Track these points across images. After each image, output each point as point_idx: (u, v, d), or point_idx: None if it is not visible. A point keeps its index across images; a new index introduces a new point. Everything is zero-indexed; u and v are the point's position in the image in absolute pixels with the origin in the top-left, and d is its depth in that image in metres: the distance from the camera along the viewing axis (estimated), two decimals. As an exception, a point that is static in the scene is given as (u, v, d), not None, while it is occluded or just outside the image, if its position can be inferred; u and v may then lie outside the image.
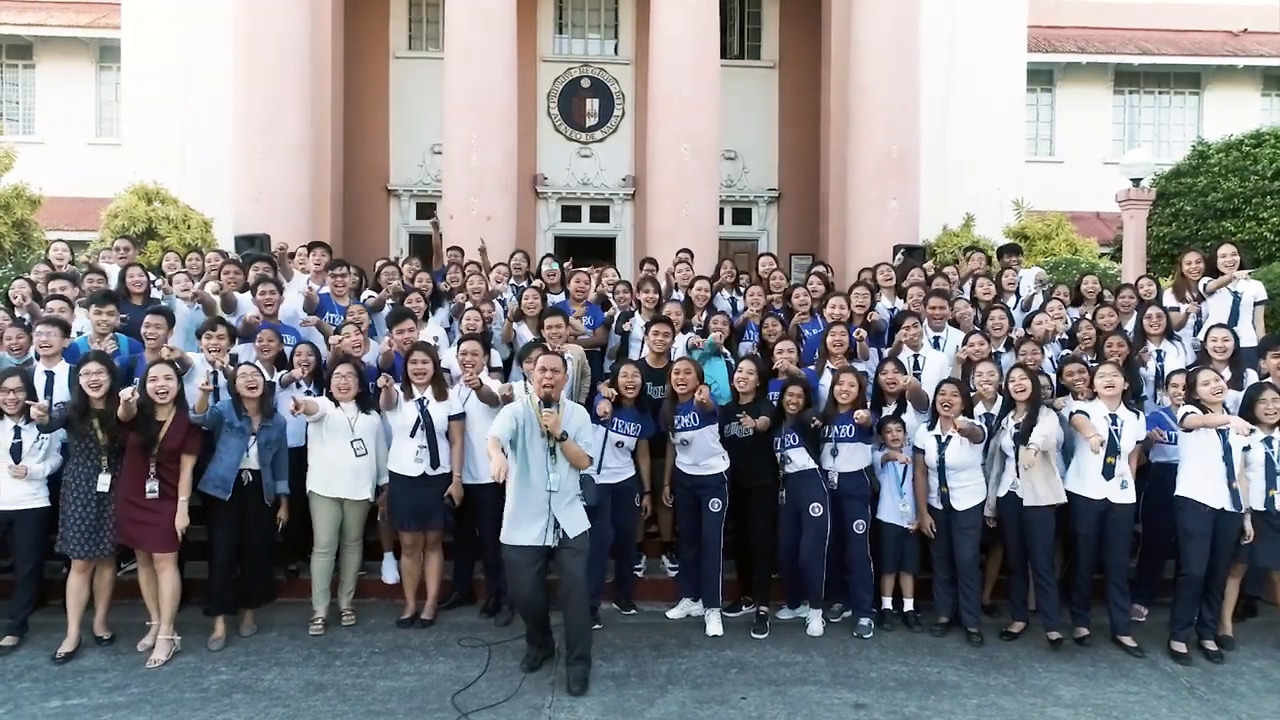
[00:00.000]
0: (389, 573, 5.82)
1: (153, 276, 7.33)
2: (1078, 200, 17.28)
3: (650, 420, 5.54)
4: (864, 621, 5.37)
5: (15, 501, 4.98)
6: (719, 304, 7.49)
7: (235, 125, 12.69)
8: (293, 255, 7.78)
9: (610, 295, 7.45)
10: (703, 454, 5.35)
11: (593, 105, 16.91)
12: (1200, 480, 5.03)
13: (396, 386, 5.33)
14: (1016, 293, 7.82)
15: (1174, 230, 12.97)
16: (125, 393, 4.69)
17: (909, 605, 5.54)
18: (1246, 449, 5.02)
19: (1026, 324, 6.77)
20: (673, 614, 5.58)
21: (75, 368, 5.03)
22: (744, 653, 5.06)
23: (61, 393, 5.30)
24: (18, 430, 4.98)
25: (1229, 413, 5.16)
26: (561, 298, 7.33)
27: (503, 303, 7.35)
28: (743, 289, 8.09)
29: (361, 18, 15.47)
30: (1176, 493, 5.13)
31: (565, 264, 7.96)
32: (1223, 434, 5.00)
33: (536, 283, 7.47)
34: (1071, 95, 17.39)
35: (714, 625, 5.35)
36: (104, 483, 4.93)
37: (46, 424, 4.85)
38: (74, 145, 16.64)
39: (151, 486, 4.86)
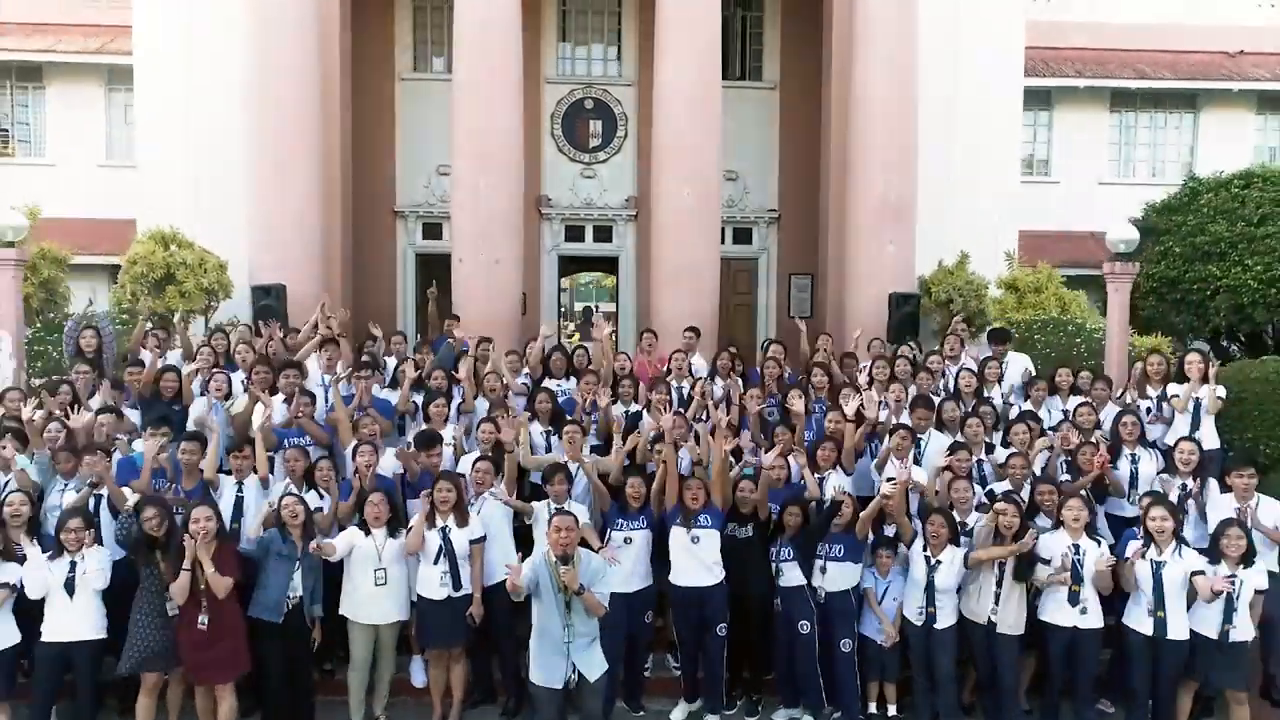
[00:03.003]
0: (418, 676, 6.37)
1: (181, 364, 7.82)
2: (1073, 220, 17.63)
3: (652, 518, 6.05)
4: (852, 727, 5.95)
5: (77, 633, 5.45)
6: (716, 392, 7.94)
7: (247, 155, 12.94)
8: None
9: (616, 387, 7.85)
10: (709, 557, 5.82)
11: (595, 126, 17.15)
12: (1134, 609, 5.58)
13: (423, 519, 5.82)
14: (1001, 376, 8.27)
15: (1163, 270, 13.40)
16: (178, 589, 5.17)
17: (892, 710, 6.10)
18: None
19: (1006, 432, 7.20)
20: (675, 716, 6.12)
21: (136, 510, 5.50)
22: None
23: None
24: (73, 565, 5.45)
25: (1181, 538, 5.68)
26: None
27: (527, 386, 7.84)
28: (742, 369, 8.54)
29: (367, 42, 15.66)
30: (1123, 619, 5.67)
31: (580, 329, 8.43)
32: (1156, 568, 5.52)
33: (548, 383, 7.89)
34: (1069, 116, 17.64)
35: None
36: (173, 607, 5.42)
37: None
38: (84, 167, 16.91)
39: (202, 619, 5.36)
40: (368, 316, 15.81)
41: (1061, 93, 17.49)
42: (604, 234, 17.34)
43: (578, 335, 32.19)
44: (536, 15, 15.80)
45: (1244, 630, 5.57)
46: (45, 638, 5.44)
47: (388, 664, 6.02)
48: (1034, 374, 8.38)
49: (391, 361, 8.74)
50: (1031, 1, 16.98)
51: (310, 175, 12.79)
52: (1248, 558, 5.57)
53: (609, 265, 17.02)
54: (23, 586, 5.38)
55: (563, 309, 18.96)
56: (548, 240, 17.12)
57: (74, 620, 5.45)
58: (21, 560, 5.49)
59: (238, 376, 7.70)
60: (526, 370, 8.32)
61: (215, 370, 7.41)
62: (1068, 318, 10.42)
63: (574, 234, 17.29)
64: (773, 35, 16.87)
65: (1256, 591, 5.59)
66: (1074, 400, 7.76)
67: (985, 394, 8.03)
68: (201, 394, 7.30)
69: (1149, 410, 7.41)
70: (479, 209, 12.57)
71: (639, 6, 16.06)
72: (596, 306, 37.04)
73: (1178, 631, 5.53)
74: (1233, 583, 5.52)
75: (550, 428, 7.09)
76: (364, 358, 8.03)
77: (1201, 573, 5.49)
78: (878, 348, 9.26)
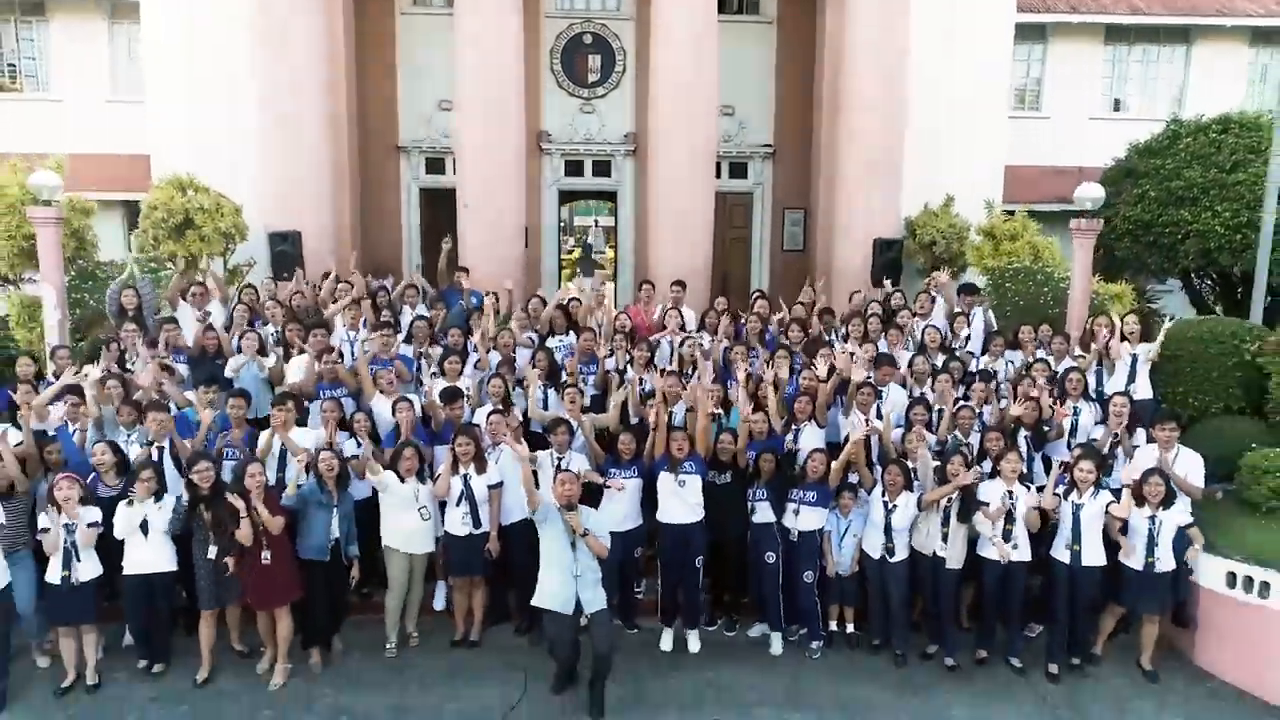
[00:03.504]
0: (440, 601, 7.40)
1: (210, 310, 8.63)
2: (1062, 155, 18.07)
3: (643, 468, 6.97)
4: (814, 644, 7.02)
5: (154, 566, 6.43)
6: (706, 342, 8.76)
7: (254, 92, 13.35)
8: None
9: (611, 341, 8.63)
10: (692, 498, 6.76)
11: (594, 61, 17.40)
12: (1057, 544, 6.56)
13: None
14: (969, 326, 9.09)
15: (1139, 213, 14.02)
16: (244, 534, 6.10)
17: (850, 628, 7.16)
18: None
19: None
20: (664, 645, 7.15)
21: (189, 465, 6.40)
22: (720, 674, 6.69)
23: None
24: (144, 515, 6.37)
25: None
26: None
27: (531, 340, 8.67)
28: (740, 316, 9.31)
29: (367, -26, 15.82)
30: (1050, 552, 6.65)
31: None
32: (1075, 509, 6.47)
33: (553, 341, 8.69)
34: (1061, 50, 17.89)
35: (694, 644, 7.00)
36: (211, 553, 6.36)
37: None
38: (91, 103, 17.26)
39: (265, 555, 6.33)
40: (375, 253, 16.54)
41: (1055, 27, 17.71)
42: (603, 169, 17.80)
43: (578, 252, 32.70)
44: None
45: (1166, 562, 6.55)
46: (127, 570, 6.40)
47: (418, 589, 7.03)
48: (995, 328, 9.18)
49: (406, 313, 9.51)
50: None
51: (318, 115, 13.30)
52: (1167, 501, 6.50)
53: (608, 199, 17.55)
54: (108, 526, 6.31)
55: (562, 223, 19.38)
56: (548, 175, 17.60)
57: (150, 556, 6.40)
58: (101, 503, 6.41)
59: (268, 331, 8.53)
60: (535, 328, 9.04)
61: (248, 330, 8.21)
62: (1038, 266, 11.11)
63: (573, 169, 17.76)
64: (770, -30, 16.99)
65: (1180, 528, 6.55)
66: (1039, 353, 8.61)
67: (954, 346, 8.89)
68: (237, 351, 8.11)
69: (1098, 362, 8.24)
70: (481, 154, 13.13)
71: (635, -57, 16.16)
72: (596, 222, 37.39)
73: (1091, 560, 6.52)
74: (1153, 522, 6.48)
75: (549, 382, 7.92)
76: (382, 315, 8.77)
77: (1114, 502, 6.49)
78: (858, 300, 10.02)
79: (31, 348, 9.50)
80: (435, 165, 17.76)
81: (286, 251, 12.09)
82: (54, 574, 6.19)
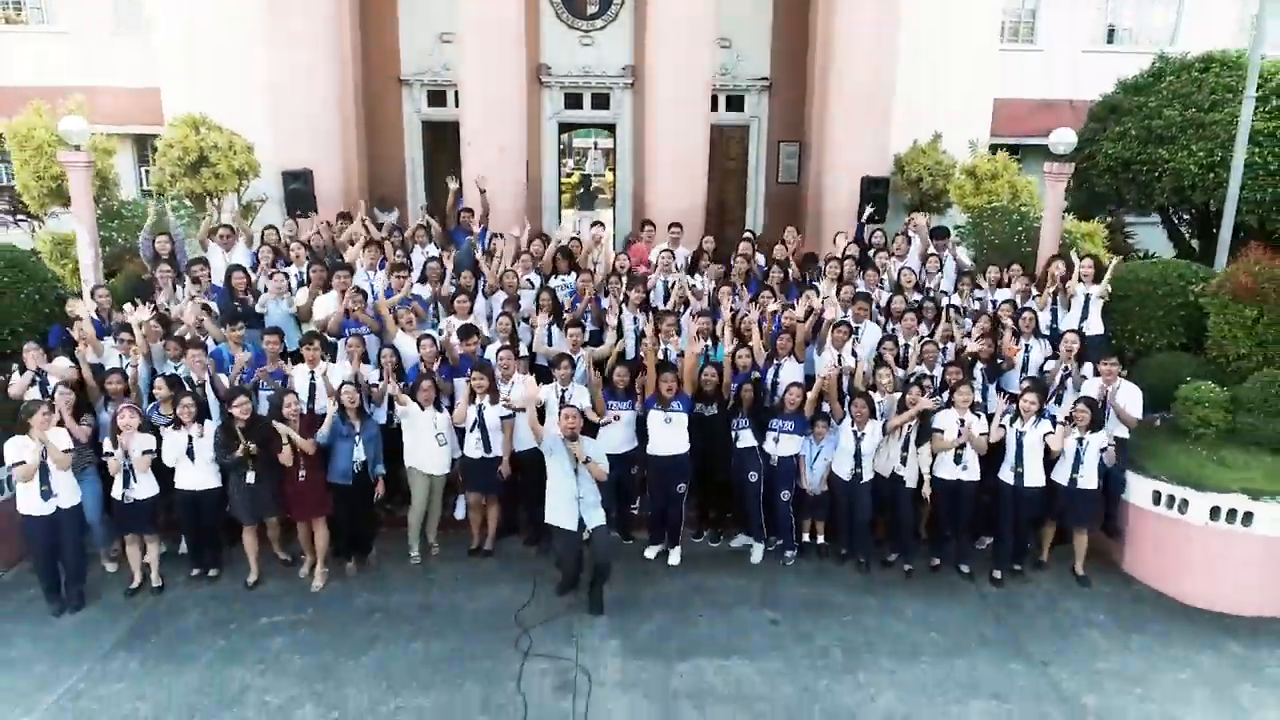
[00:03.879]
0: (460, 511, 8.35)
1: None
2: (1054, 88, 18.43)
3: (636, 399, 7.81)
4: (789, 553, 7.99)
5: (201, 484, 7.33)
6: (697, 283, 9.51)
7: (266, 33, 13.71)
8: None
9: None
10: (678, 433, 7.62)
11: (594, -8, 17.65)
12: (1003, 467, 7.46)
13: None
14: (940, 269, 9.84)
15: (1119, 150, 14.53)
16: (285, 456, 6.96)
17: (820, 539, 8.13)
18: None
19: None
20: (649, 554, 8.11)
21: (227, 398, 7.23)
22: (706, 579, 7.67)
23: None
24: (189, 436, 7.23)
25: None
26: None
27: (531, 282, 9.41)
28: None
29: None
30: (997, 473, 7.55)
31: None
32: (1019, 437, 7.34)
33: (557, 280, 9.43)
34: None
35: (674, 559, 7.97)
36: (250, 478, 7.24)
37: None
38: (97, 36, 17.57)
39: (301, 474, 7.23)
40: (379, 186, 17.10)
41: (1050, -41, 17.88)
42: (602, 101, 18.19)
43: (576, 175, 33.00)
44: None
45: (1089, 480, 7.46)
46: (178, 487, 7.31)
47: (437, 505, 7.96)
48: (968, 267, 9.92)
49: (417, 253, 10.21)
50: None
51: (327, 53, 13.74)
52: (1094, 425, 7.37)
53: (607, 131, 18.00)
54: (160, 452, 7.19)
55: (562, 145, 19.79)
56: (548, 108, 18.01)
57: (197, 476, 7.30)
58: (155, 430, 7.27)
59: (292, 270, 9.27)
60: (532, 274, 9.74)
61: (274, 271, 8.95)
62: (1015, 206, 11.73)
63: (573, 101, 18.15)
64: (767, -105, 17.08)
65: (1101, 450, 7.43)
66: (1002, 293, 9.38)
67: (927, 285, 9.66)
68: (264, 290, 8.87)
69: (1054, 301, 9.00)
70: (482, 87, 13.61)
71: None
72: (595, 144, 37.54)
73: (1032, 481, 7.42)
74: (1080, 444, 7.36)
75: (552, 319, 8.71)
76: (398, 255, 9.47)
77: (1051, 432, 7.36)
78: (842, 241, 10.70)
79: (64, 284, 10.20)
80: (437, 98, 18.13)
81: (299, 190, 12.70)
82: (117, 491, 7.09)
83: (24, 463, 6.49)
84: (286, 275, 8.99)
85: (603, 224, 11.18)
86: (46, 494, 6.63)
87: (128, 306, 8.20)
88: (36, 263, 9.03)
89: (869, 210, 11.80)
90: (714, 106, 17.33)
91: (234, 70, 14.73)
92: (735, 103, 18.39)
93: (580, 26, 17.74)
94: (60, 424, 6.79)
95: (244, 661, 6.48)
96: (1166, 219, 15.61)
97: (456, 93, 16.83)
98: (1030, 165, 17.95)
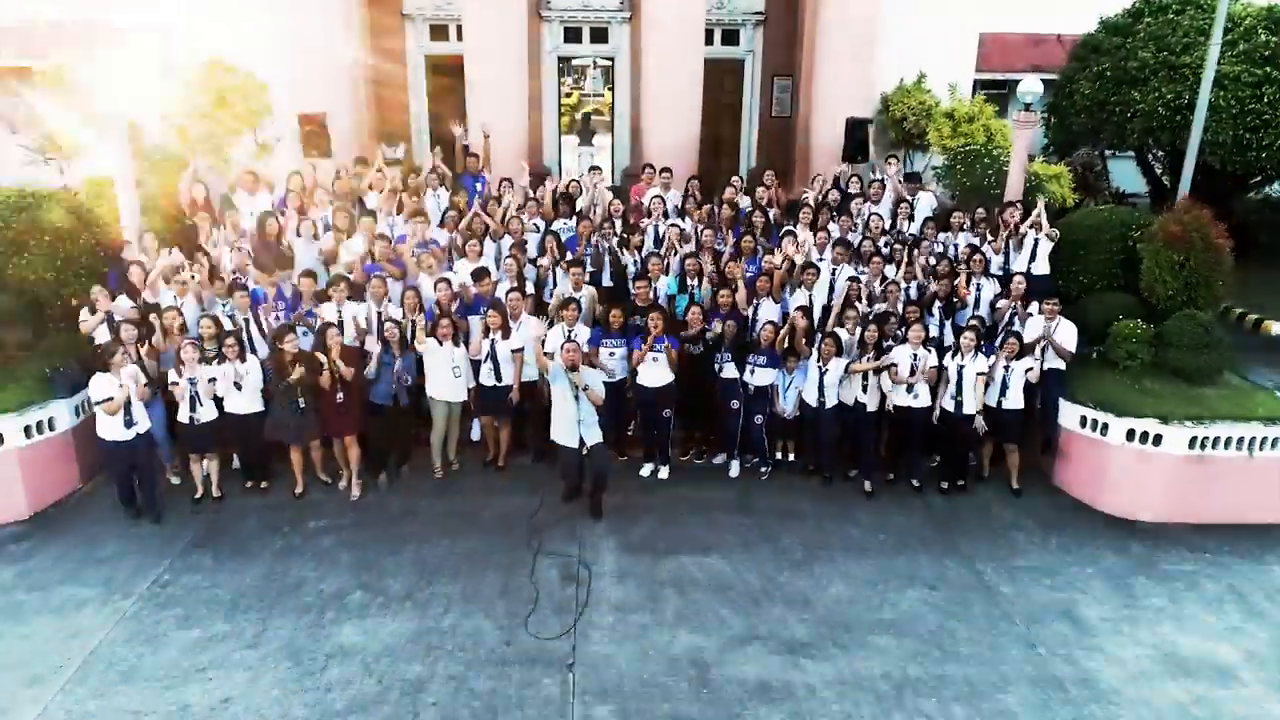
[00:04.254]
0: (475, 432, 9.59)
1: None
2: (1043, 23, 18.99)
3: (629, 340, 8.96)
4: (763, 469, 9.27)
5: (249, 408, 8.53)
6: (686, 226, 10.55)
7: None
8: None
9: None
10: (663, 367, 8.79)
11: (592, -76, 18.11)
12: (945, 396, 8.64)
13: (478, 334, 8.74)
14: (911, 216, 10.87)
15: (1096, 91, 15.33)
16: (325, 379, 8.13)
17: (792, 458, 9.40)
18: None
19: (915, 244, 9.93)
20: (643, 472, 9.38)
21: (276, 337, 8.36)
22: (690, 491, 8.96)
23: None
24: (236, 370, 8.38)
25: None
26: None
27: (537, 226, 10.46)
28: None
29: None
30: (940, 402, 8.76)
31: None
32: (959, 369, 8.51)
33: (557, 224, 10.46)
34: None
35: (663, 474, 9.24)
36: (300, 403, 8.43)
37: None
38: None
39: (340, 395, 8.44)
40: (385, 122, 17.88)
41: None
42: (600, 35, 18.82)
43: (575, 95, 33.34)
44: None
45: (1015, 402, 8.65)
46: (229, 412, 8.51)
47: (455, 428, 9.19)
48: (936, 211, 10.94)
49: (429, 197, 11.19)
50: None
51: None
52: (1019, 355, 8.54)
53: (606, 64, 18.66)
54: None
55: (560, 65, 20.43)
56: (547, 42, 18.63)
57: (245, 401, 8.50)
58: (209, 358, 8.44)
59: (319, 215, 10.31)
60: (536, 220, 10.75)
61: (302, 218, 9.99)
62: (989, 148, 12.60)
63: (572, 35, 18.77)
64: None
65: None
66: (964, 237, 10.44)
67: (899, 228, 10.71)
68: (296, 235, 9.93)
69: (1005, 243, 10.06)
70: (484, 21, 14.39)
71: None
72: (595, 62, 37.78)
73: (970, 408, 8.61)
74: (1007, 370, 8.54)
75: (557, 259, 9.77)
76: (414, 199, 10.47)
77: (989, 371, 8.55)
78: (819, 185, 11.67)
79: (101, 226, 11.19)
80: (439, 32, 18.76)
81: (314, 132, 13.57)
82: (183, 415, 8.30)
83: (111, 399, 7.65)
84: (315, 221, 10.02)
85: (600, 168, 12.10)
86: (129, 423, 7.82)
87: (175, 251, 9.28)
88: (91, 210, 10.01)
89: (842, 169, 12.63)
90: (710, 41, 18.06)
91: (247, 13, 15.38)
92: (730, 37, 19.00)
93: (578, -40, 18.21)
94: (134, 360, 7.94)
95: (299, 557, 7.80)
96: (1141, 157, 16.49)
97: (459, 27, 17.56)
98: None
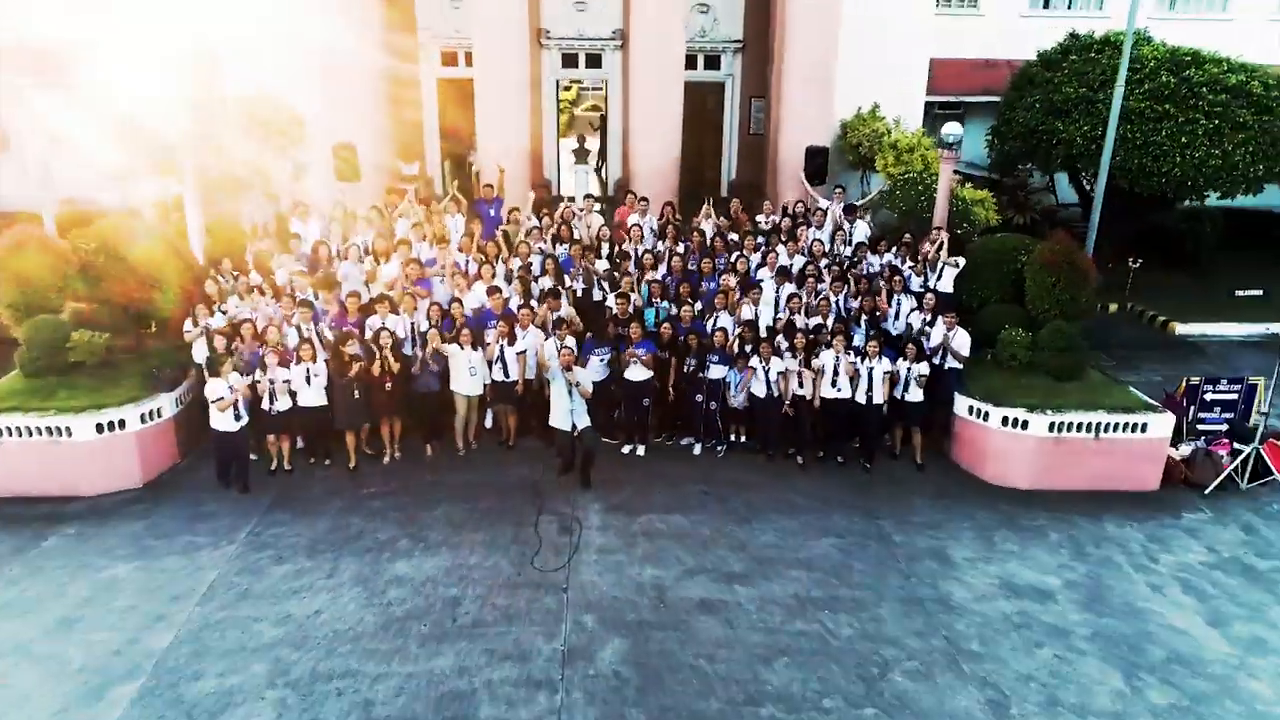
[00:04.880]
0: (489, 421, 12.19)
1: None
2: (994, 49, 21.51)
3: (612, 346, 11.53)
4: (720, 448, 11.88)
5: (314, 401, 11.11)
6: (659, 248, 13.12)
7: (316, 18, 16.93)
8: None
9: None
10: (641, 369, 11.38)
11: (586, -36, 20.57)
12: (858, 391, 11.19)
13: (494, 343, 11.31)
14: (847, 241, 13.44)
15: (1027, 119, 17.84)
16: (375, 369, 10.72)
17: (743, 439, 11.99)
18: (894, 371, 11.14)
19: (848, 266, 12.50)
20: (624, 450, 11.97)
21: (339, 341, 10.94)
22: (662, 466, 11.55)
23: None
24: (307, 369, 10.95)
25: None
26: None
27: (541, 250, 13.02)
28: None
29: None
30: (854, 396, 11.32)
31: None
32: (870, 369, 11.06)
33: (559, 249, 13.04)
34: (998, -46, 20.93)
35: (640, 452, 11.84)
36: (356, 394, 11.03)
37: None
38: None
39: (387, 386, 11.03)
40: (401, 140, 20.39)
41: (993, -66, 20.69)
42: (594, 61, 21.34)
43: (574, 89, 35.61)
44: None
45: (915, 395, 11.21)
46: (300, 404, 11.09)
47: (474, 416, 11.78)
48: (869, 236, 13.50)
49: (448, 221, 13.74)
50: None
51: (367, 30, 16.97)
52: (917, 359, 11.10)
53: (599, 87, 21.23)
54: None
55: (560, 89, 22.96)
56: (547, 68, 21.17)
57: (312, 396, 11.08)
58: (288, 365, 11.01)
59: (360, 240, 12.86)
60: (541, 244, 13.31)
61: (349, 245, 12.54)
62: (925, 176, 15.07)
63: (569, 61, 21.30)
64: None
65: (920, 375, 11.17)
66: (887, 259, 12.99)
67: (837, 252, 13.26)
68: (342, 259, 12.48)
69: (922, 265, 12.61)
70: (492, 54, 16.94)
71: None
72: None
73: (878, 400, 11.16)
74: (909, 371, 11.10)
75: (555, 280, 12.33)
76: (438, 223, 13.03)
77: (894, 370, 11.11)
78: (767, 215, 14.22)
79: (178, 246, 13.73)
80: (449, 58, 21.28)
81: (347, 160, 16.11)
82: (265, 405, 10.88)
83: (222, 398, 10.21)
84: (358, 246, 12.58)
85: (591, 197, 14.63)
86: (237, 417, 10.41)
87: (253, 274, 11.85)
88: (178, 239, 12.57)
89: (789, 201, 15.21)
90: (694, 65, 20.70)
91: (285, 48, 17.89)
92: (713, 62, 21.55)
93: (575, -7, 20.69)
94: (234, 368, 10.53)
95: (356, 515, 10.40)
96: (1073, 176, 19.02)
97: (467, 53, 20.16)
98: (971, 119, 21.24)
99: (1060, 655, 8.28)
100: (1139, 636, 8.59)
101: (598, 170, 21.12)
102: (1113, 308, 17.80)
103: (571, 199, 17.30)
